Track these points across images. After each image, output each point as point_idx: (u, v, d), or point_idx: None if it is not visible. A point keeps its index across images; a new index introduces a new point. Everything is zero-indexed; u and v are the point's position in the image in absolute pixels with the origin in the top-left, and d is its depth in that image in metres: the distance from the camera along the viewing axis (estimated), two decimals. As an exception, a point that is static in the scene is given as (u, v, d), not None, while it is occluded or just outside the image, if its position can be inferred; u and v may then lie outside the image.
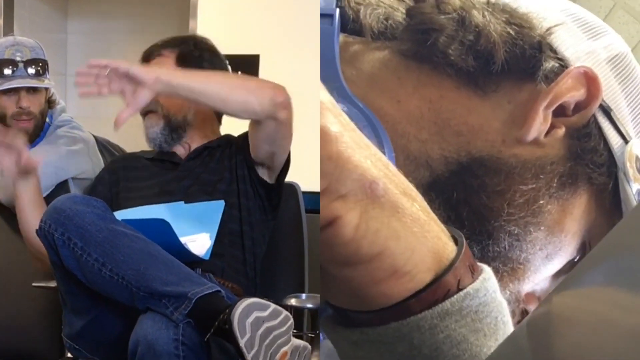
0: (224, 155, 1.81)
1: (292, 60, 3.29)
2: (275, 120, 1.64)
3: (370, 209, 0.62)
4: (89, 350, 1.63)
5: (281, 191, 1.83)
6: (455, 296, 0.65)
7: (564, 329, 0.60)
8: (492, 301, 0.67)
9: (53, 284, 1.70)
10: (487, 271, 0.69)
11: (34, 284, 1.79)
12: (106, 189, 1.87)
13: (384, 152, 0.83)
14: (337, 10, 0.87)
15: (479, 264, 0.70)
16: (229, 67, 1.94)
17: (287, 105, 1.64)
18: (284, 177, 1.81)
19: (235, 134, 1.95)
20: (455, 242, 0.68)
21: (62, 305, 1.63)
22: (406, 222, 0.63)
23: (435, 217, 0.68)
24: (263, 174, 1.77)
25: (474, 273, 0.67)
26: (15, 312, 1.99)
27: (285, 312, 1.38)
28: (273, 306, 1.37)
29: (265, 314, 1.35)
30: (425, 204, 0.68)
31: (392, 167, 0.67)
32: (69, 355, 1.71)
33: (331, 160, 0.61)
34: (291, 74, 3.40)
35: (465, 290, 0.66)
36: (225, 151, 1.82)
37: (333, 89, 0.84)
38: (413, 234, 0.64)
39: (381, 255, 0.63)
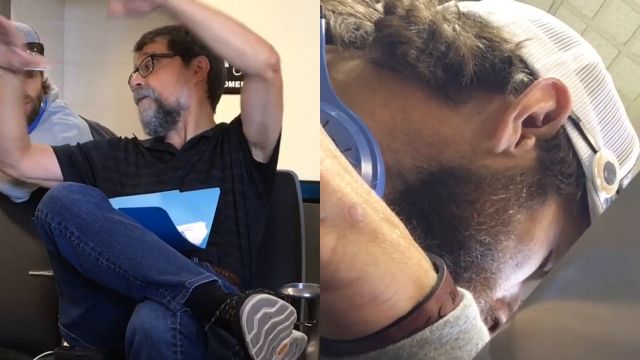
0: (218, 143, 1.82)
1: (291, 51, 3.27)
2: (264, 80, 1.66)
3: (348, 234, 0.63)
4: (86, 339, 1.63)
5: (274, 174, 1.83)
6: (435, 324, 0.65)
7: (525, 344, 0.60)
8: (472, 328, 0.67)
9: (50, 272, 1.70)
10: (467, 297, 0.69)
11: (30, 273, 1.79)
12: (83, 161, 1.85)
13: (375, 160, 0.83)
14: (323, 21, 0.87)
15: (460, 289, 0.70)
16: None
17: (277, 68, 1.67)
18: (277, 159, 1.82)
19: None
20: (436, 269, 0.68)
21: (58, 294, 1.63)
22: (386, 248, 0.64)
23: (417, 245, 0.68)
24: (257, 154, 1.78)
25: (455, 300, 0.67)
26: (12, 301, 1.99)
27: (290, 308, 1.39)
28: (280, 302, 1.37)
29: (273, 309, 1.35)
30: (406, 231, 0.68)
31: (374, 194, 0.68)
32: (65, 344, 1.70)
33: (323, 189, 0.62)
34: (290, 64, 3.40)
35: (445, 318, 0.66)
36: (219, 138, 1.82)
37: (325, 99, 0.84)
38: (393, 260, 0.64)
39: (360, 281, 0.63)
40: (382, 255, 0.64)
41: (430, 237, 0.90)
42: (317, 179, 0.82)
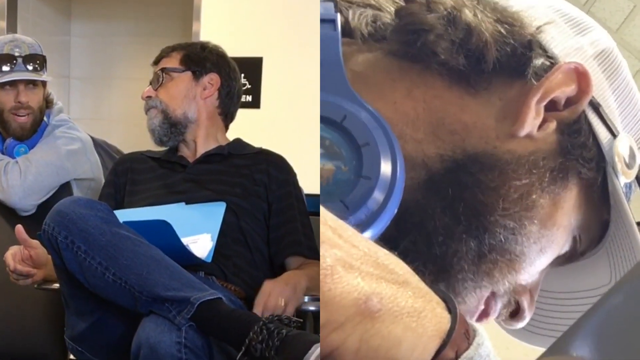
0: (248, 170, 1.85)
1: (296, 63, 3.30)
2: None
3: (369, 327, 0.62)
4: (92, 352, 1.64)
5: None
6: None
7: None
8: None
9: (56, 285, 1.71)
10: (480, 334, 0.68)
11: (36, 286, 1.79)
12: (114, 193, 1.89)
13: (395, 156, 0.82)
14: (338, 15, 0.87)
15: (473, 324, 0.69)
16: (238, 72, 1.97)
17: None
18: None
19: (237, 135, 1.97)
20: (448, 307, 0.67)
21: (64, 307, 1.64)
22: (404, 320, 0.63)
23: (428, 290, 0.67)
24: None
25: (469, 338, 0.67)
26: (18, 314, 2.00)
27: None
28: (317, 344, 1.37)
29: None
30: (416, 279, 0.67)
31: (381, 257, 0.66)
32: (72, 357, 1.71)
33: (324, 296, 0.61)
34: (294, 76, 3.42)
35: None
36: (254, 173, 1.85)
37: (341, 94, 0.84)
38: (412, 331, 0.63)
39: None
40: (402, 332, 0.63)
41: (456, 224, 0.90)
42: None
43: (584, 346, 0.61)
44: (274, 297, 1.59)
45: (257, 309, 1.58)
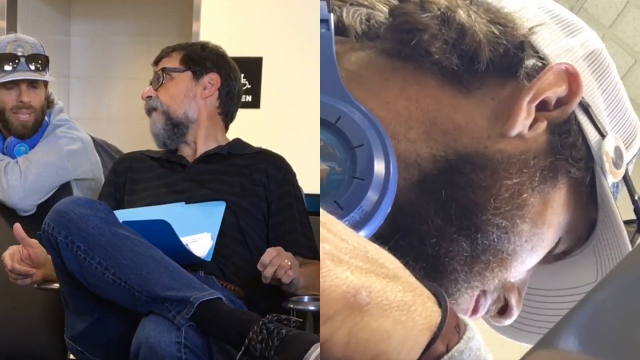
0: (248, 170, 1.85)
1: (295, 63, 3.30)
2: None
3: (358, 321, 0.62)
4: (91, 352, 1.64)
5: None
6: None
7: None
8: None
9: (56, 285, 1.71)
10: (471, 328, 0.68)
11: (36, 286, 1.79)
12: (114, 192, 1.89)
13: (388, 157, 0.83)
14: (331, 15, 0.87)
15: (463, 318, 0.69)
16: (238, 72, 1.97)
17: None
18: None
19: (237, 135, 1.97)
20: (438, 301, 0.67)
21: (64, 306, 1.64)
22: (393, 314, 0.63)
23: (418, 284, 0.67)
24: None
25: (460, 332, 0.67)
26: (18, 313, 2.00)
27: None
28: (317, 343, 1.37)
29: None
30: (407, 274, 0.67)
31: (371, 252, 0.67)
32: (71, 356, 1.71)
33: (320, 288, 0.62)
34: (294, 76, 3.42)
35: (449, 354, 0.65)
36: (253, 173, 1.85)
37: (336, 95, 0.84)
38: (402, 325, 0.63)
39: (374, 359, 0.63)
40: (392, 326, 0.63)
41: (449, 225, 0.90)
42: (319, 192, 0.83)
43: (571, 340, 0.61)
44: (283, 255, 1.60)
45: (266, 258, 1.59)
